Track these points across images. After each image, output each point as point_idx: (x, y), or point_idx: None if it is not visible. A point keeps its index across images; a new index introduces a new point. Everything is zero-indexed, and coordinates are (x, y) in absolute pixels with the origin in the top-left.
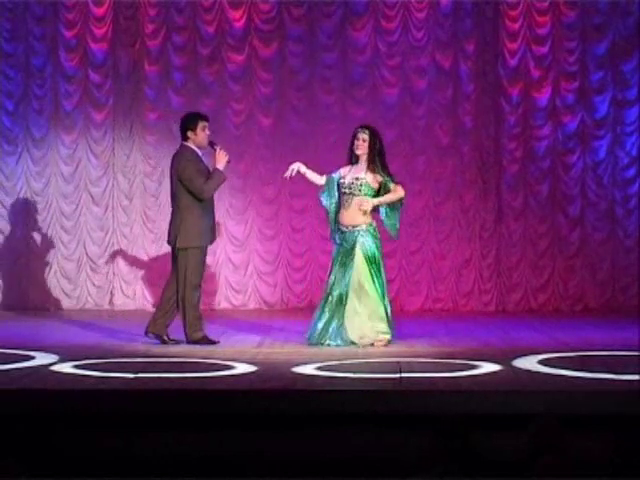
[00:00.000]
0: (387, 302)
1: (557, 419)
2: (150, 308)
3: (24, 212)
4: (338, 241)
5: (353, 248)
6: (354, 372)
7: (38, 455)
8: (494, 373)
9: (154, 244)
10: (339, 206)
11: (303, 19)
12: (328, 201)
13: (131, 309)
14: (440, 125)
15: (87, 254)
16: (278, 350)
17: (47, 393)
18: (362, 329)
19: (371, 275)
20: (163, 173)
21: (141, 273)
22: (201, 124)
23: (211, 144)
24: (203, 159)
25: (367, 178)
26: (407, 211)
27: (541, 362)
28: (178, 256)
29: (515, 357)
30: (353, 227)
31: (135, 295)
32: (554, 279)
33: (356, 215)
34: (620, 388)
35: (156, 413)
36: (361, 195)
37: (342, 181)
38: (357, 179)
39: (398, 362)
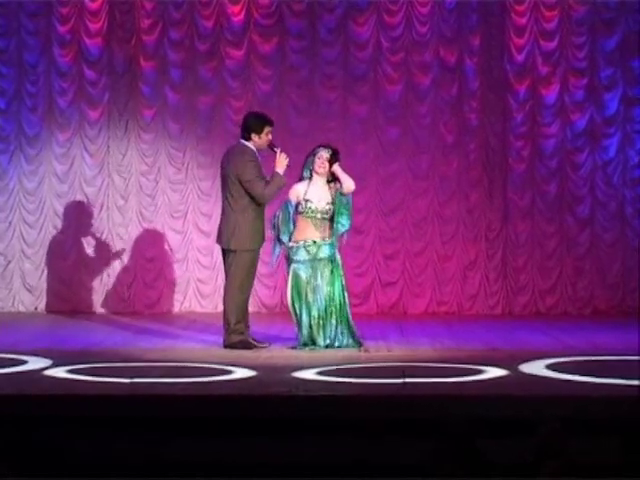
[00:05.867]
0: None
1: (561, 425)
2: (145, 311)
3: (17, 212)
4: (306, 257)
5: (322, 259)
6: (356, 377)
7: (30, 460)
8: (500, 378)
9: (150, 245)
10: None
11: (304, 14)
12: (286, 235)
13: (126, 312)
14: (444, 123)
15: (81, 255)
16: (278, 354)
17: (41, 398)
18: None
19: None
20: (159, 172)
21: (137, 275)
22: (267, 129)
23: (271, 146)
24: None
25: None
26: (411, 211)
27: (549, 367)
28: (229, 257)
29: (522, 361)
30: (323, 240)
31: (130, 298)
32: (562, 281)
33: (324, 230)
34: (630, 393)
35: (152, 419)
36: (325, 219)
37: (310, 205)
38: (328, 204)
39: (402, 367)
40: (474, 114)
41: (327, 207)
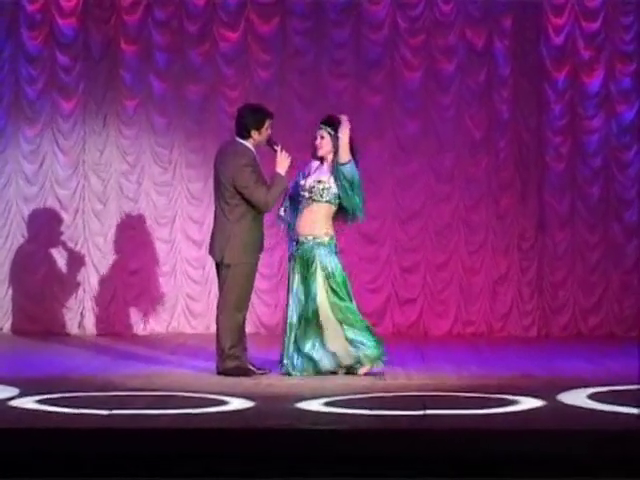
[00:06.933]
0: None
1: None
2: (127, 333)
3: None
4: (294, 252)
5: (312, 262)
6: (369, 408)
7: None
8: (536, 409)
9: (133, 257)
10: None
11: None
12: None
13: (105, 333)
14: (471, 116)
15: (53, 268)
16: (279, 382)
17: (5, 432)
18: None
19: (334, 294)
20: (143, 172)
21: (117, 291)
22: (268, 123)
23: (270, 143)
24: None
25: (331, 184)
26: (432, 218)
27: (591, 397)
28: (222, 271)
29: (561, 391)
30: (314, 238)
31: (110, 317)
32: (607, 299)
33: (315, 223)
34: None
35: (134, 456)
36: (322, 202)
37: (302, 183)
38: (319, 182)
39: (422, 397)
40: (505, 105)
41: (314, 184)
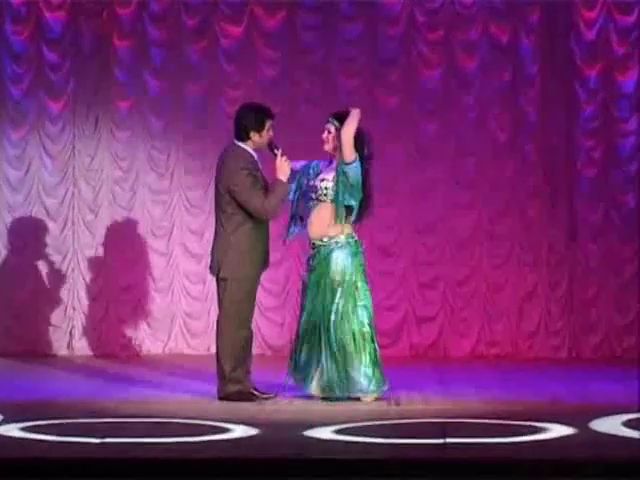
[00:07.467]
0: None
1: None
2: (120, 353)
3: None
4: (310, 262)
5: (328, 265)
6: (383, 436)
7: None
8: (566, 438)
9: (126, 271)
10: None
11: None
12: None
13: (96, 354)
14: (495, 117)
15: (39, 283)
16: (285, 407)
17: None
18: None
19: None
20: (137, 179)
21: (109, 309)
22: (269, 123)
23: (271, 146)
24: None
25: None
26: (453, 229)
27: (627, 424)
28: (219, 286)
29: (593, 417)
30: (329, 238)
31: (101, 337)
32: None
33: (324, 224)
34: None
35: None
36: (327, 202)
37: (311, 183)
38: (322, 180)
39: (441, 423)
40: (532, 106)
41: (318, 184)
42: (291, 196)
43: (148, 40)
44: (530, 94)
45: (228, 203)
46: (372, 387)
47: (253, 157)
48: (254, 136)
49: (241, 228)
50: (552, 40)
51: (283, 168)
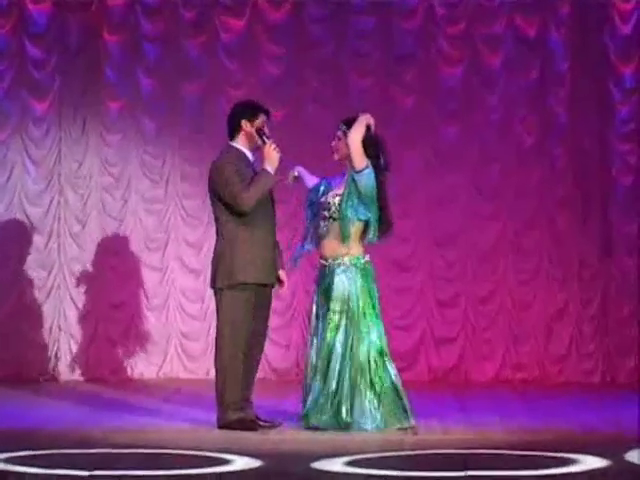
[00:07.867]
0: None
1: None
2: (111, 378)
3: None
4: (317, 285)
5: (329, 291)
6: (399, 469)
7: None
8: (600, 470)
9: (117, 288)
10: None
11: None
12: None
13: (85, 379)
14: (521, 119)
15: (22, 300)
16: (291, 437)
17: None
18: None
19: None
20: (129, 186)
21: (99, 328)
22: (262, 117)
23: (260, 132)
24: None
25: None
26: (475, 241)
27: None
28: (216, 299)
29: (629, 449)
30: (333, 260)
31: (89, 360)
32: None
33: (337, 244)
34: None
35: None
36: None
37: (322, 199)
38: (335, 196)
39: (462, 454)
40: (562, 107)
41: (330, 200)
42: (306, 214)
43: (141, 35)
44: (560, 94)
45: (220, 210)
46: (372, 424)
47: (245, 155)
48: (245, 125)
49: (236, 235)
50: (584, 34)
51: (271, 157)
